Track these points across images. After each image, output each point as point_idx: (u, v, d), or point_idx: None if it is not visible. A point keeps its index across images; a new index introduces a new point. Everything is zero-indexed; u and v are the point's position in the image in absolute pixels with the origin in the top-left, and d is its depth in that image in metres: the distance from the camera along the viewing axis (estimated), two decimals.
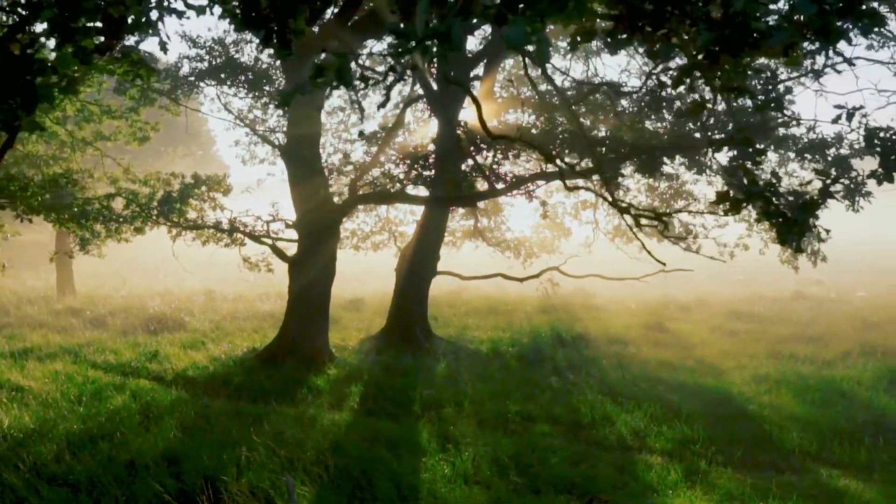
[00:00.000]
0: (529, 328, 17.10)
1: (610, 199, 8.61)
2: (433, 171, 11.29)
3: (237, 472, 6.57)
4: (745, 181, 3.81)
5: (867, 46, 13.80)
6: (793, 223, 3.73)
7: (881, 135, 4.19)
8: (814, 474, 7.61)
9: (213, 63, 13.69)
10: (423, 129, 17.78)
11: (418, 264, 15.17)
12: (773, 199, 3.76)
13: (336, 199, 13.18)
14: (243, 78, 13.54)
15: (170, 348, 13.68)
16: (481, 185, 12.69)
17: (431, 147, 11.93)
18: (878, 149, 4.34)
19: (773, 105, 6.23)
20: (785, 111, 8.65)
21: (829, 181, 4.14)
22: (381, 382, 11.29)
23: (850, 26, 2.67)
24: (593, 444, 8.61)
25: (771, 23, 2.53)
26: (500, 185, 10.95)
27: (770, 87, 8.61)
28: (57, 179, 12.94)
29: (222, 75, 13.53)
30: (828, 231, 14.94)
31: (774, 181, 3.81)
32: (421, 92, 14.63)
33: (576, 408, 9.85)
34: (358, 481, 6.64)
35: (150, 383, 11.28)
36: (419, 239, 15.45)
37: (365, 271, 31.80)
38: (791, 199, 3.88)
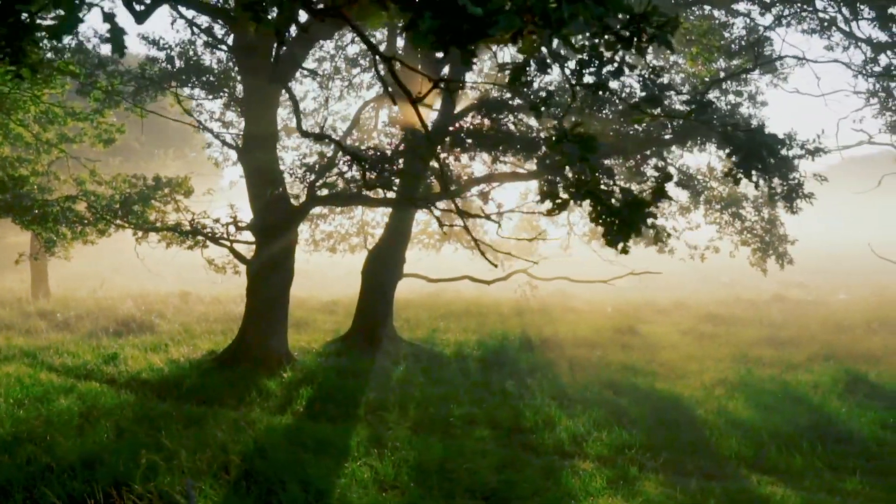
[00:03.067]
0: (500, 331, 17.02)
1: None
2: (387, 173, 11.23)
3: (149, 476, 6.51)
4: (571, 178, 3.72)
5: (825, 47, 13.65)
6: (622, 224, 3.63)
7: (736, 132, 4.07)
8: (744, 481, 7.50)
9: (176, 65, 13.68)
10: (381, 129, 17.73)
11: (383, 266, 15.11)
12: (604, 197, 3.67)
13: (294, 201, 13.11)
14: (204, 79, 13.51)
15: (130, 351, 13.65)
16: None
17: (387, 147, 11.88)
18: (736, 145, 4.21)
19: (699, 108, 6.10)
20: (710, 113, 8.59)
21: (661, 179, 4.01)
22: (331, 385, 11.22)
23: (576, 14, 2.57)
24: (530, 449, 8.52)
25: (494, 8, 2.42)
26: (452, 187, 10.88)
27: (697, 93, 8.53)
28: (15, 180, 12.96)
29: (183, 77, 13.51)
30: (787, 238, 14.75)
31: (606, 178, 3.69)
32: (380, 91, 14.57)
33: (521, 412, 9.76)
34: (271, 485, 6.57)
35: (102, 386, 11.23)
36: (384, 241, 15.40)
37: (350, 273, 31.72)
38: (629, 197, 3.77)
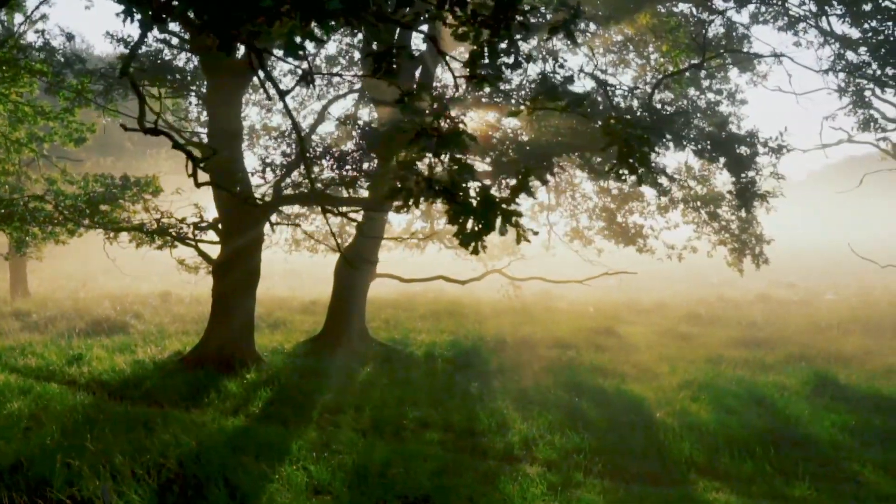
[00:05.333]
0: (475, 332, 16.87)
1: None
2: (350, 172, 11.09)
3: (72, 480, 6.39)
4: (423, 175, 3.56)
5: (794, 43, 13.42)
6: (476, 223, 3.47)
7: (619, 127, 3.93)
8: (690, 487, 7.35)
9: (145, 64, 13.57)
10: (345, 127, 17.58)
11: (354, 267, 14.95)
12: (460, 195, 3.50)
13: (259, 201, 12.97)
14: (171, 79, 13.40)
15: (97, 352, 13.54)
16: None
17: (350, 146, 11.75)
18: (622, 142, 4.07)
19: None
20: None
21: (522, 176, 3.84)
22: (292, 387, 11.10)
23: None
24: (479, 452, 8.37)
25: None
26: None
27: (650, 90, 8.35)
28: None
29: (150, 76, 13.41)
30: (763, 237, 14.53)
31: (465, 175, 3.55)
32: (344, 90, 14.44)
33: (476, 415, 9.61)
34: (198, 489, 6.44)
35: (61, 388, 11.12)
36: (357, 241, 15.26)
37: None
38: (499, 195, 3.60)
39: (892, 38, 10.30)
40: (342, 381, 11.62)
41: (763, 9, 13.52)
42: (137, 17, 2.83)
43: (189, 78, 13.46)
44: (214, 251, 13.24)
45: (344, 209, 11.26)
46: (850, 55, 11.02)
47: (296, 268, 32.61)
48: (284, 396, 10.58)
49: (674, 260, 17.00)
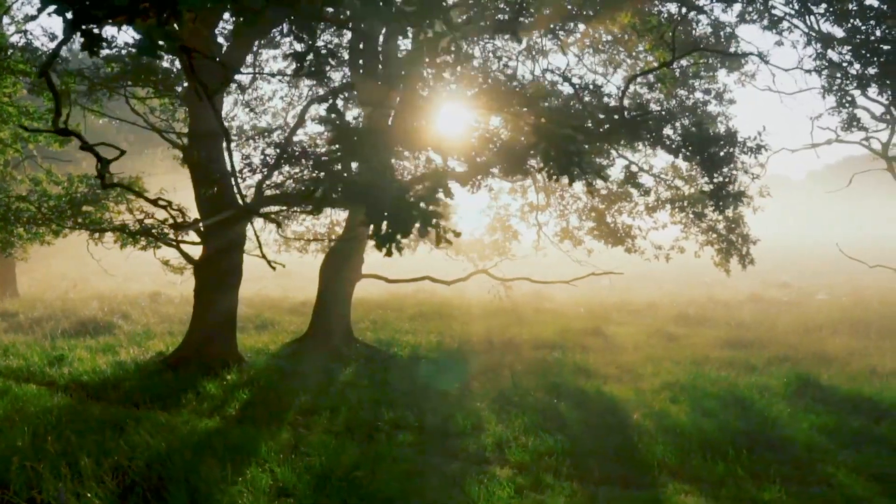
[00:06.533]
0: (463, 332, 16.82)
1: None
2: (323, 174, 11.02)
3: (31, 483, 6.35)
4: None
5: (776, 42, 13.35)
6: (391, 225, 3.41)
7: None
8: (660, 490, 7.27)
9: (126, 65, 13.53)
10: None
11: (340, 268, 14.92)
12: (372, 197, 3.45)
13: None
14: (153, 79, 13.35)
15: (80, 352, 13.51)
16: None
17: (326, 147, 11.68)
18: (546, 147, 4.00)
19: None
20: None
21: (437, 177, 3.77)
22: (271, 388, 11.05)
23: None
24: (451, 454, 8.31)
25: None
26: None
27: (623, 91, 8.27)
28: None
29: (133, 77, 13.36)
30: (749, 238, 14.45)
31: (386, 178, 3.50)
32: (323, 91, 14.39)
33: (452, 416, 9.55)
34: (158, 492, 6.40)
35: (40, 389, 11.10)
36: (342, 241, 15.22)
37: None
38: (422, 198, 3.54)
39: (873, 37, 10.23)
40: (322, 382, 11.57)
41: (750, 8, 13.44)
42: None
43: (173, 78, 13.40)
44: (198, 252, 13.21)
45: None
46: (832, 55, 10.96)
47: (289, 269, 32.49)
48: (262, 398, 10.53)
49: (665, 260, 16.93)
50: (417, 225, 3.25)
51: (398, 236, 3.36)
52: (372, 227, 3.37)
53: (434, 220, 3.47)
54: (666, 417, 9.56)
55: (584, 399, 10.64)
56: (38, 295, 22.10)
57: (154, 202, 11.81)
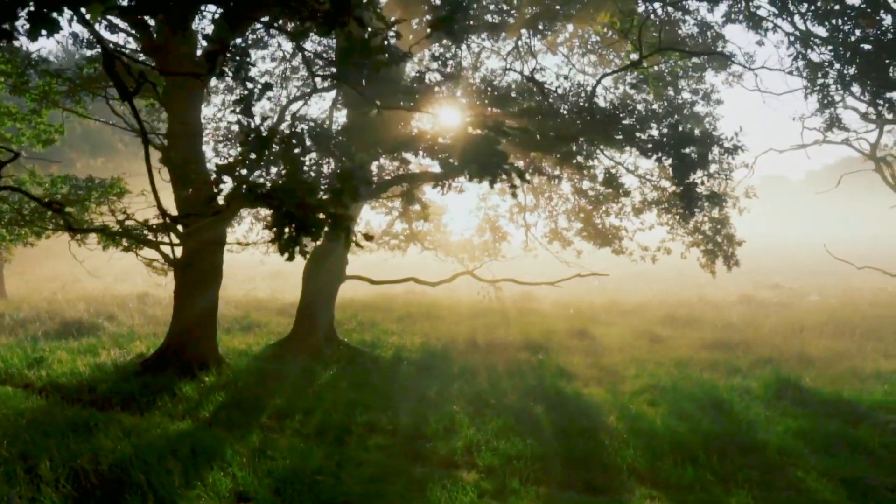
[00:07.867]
0: (449, 334, 16.75)
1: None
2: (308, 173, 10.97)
3: None
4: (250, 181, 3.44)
5: (757, 42, 13.25)
6: (297, 229, 3.34)
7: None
8: (627, 494, 7.20)
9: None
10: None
11: (323, 269, 14.86)
12: (279, 200, 3.37)
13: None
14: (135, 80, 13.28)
15: (61, 354, 13.45)
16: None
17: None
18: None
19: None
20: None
21: (342, 179, 3.68)
22: (248, 390, 10.99)
23: None
24: (420, 458, 8.24)
25: None
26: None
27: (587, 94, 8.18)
28: None
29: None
30: (734, 239, 14.34)
31: (287, 180, 3.43)
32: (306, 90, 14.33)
33: (426, 419, 9.47)
34: (113, 497, 6.34)
35: (14, 391, 11.04)
36: (325, 242, 15.14)
37: None
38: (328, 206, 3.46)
39: (853, 37, 10.13)
40: (300, 384, 11.50)
41: (735, 8, 13.36)
42: None
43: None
44: (178, 252, 13.14)
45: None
46: (812, 55, 10.87)
47: (282, 270, 32.52)
48: (238, 400, 10.46)
49: (652, 261, 16.85)
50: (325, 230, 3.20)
51: (303, 240, 3.30)
52: (275, 230, 3.31)
53: (344, 225, 3.39)
54: (641, 420, 9.48)
55: (562, 401, 10.56)
56: (25, 296, 22.07)
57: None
